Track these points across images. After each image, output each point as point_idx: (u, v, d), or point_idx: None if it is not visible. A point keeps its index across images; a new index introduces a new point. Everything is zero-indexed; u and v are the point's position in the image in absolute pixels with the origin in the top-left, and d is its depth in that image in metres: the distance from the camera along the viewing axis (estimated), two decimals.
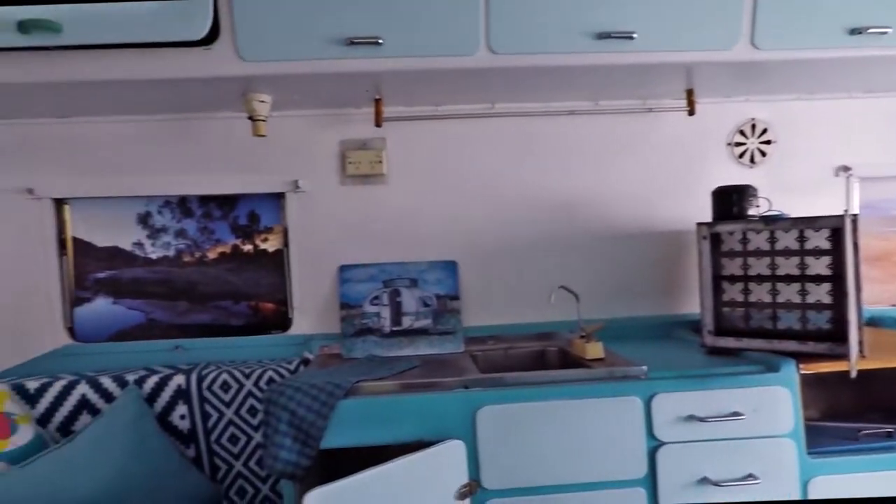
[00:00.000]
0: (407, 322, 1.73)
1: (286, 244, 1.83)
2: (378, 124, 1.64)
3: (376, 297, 1.75)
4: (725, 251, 1.53)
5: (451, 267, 1.80)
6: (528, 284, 1.86)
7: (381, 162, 1.77)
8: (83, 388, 1.64)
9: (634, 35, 1.42)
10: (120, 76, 1.42)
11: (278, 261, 1.85)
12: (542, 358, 1.75)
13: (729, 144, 1.91)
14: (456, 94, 1.71)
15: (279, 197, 1.83)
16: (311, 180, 1.80)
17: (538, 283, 1.85)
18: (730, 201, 1.61)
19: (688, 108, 1.77)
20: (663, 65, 1.51)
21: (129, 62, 1.40)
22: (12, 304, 1.81)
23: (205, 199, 1.84)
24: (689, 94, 1.77)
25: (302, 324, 1.82)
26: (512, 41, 1.41)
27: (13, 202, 1.79)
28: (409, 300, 1.75)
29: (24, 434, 1.52)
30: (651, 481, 1.35)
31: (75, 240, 1.85)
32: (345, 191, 1.81)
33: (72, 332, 1.85)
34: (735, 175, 1.90)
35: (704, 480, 1.34)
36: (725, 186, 1.63)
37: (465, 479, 1.27)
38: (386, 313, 1.73)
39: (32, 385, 1.64)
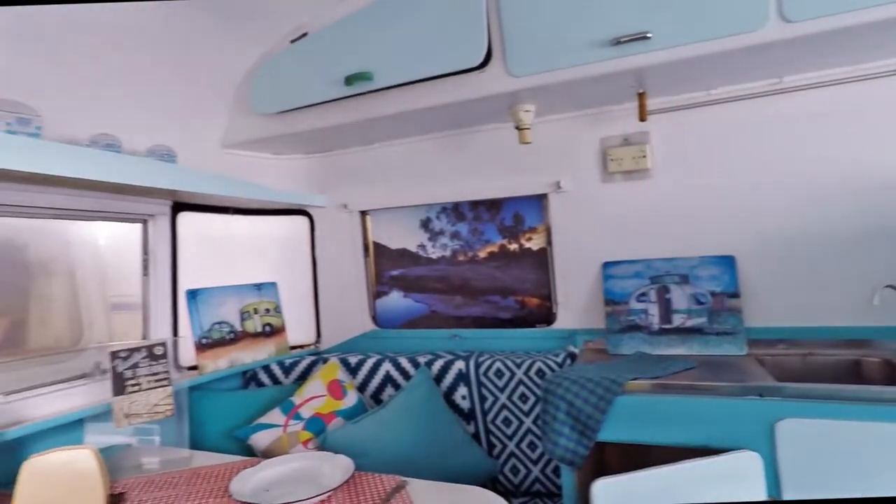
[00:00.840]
0: (678, 320, 1.66)
1: (549, 242, 1.93)
2: (642, 118, 1.61)
3: (643, 294, 1.72)
4: None
5: (727, 262, 1.66)
6: (834, 282, 1.59)
7: (644, 156, 1.73)
8: (387, 366, 2.00)
9: None
10: (415, 106, 1.69)
11: (542, 258, 1.97)
12: (857, 369, 1.49)
13: None
14: (735, 74, 1.57)
15: (542, 198, 1.94)
16: (572, 180, 1.86)
17: (848, 280, 1.57)
18: None
19: None
20: None
21: (422, 93, 1.66)
22: (337, 294, 2.31)
23: (475, 204, 2.07)
24: None
25: (565, 318, 1.90)
26: (811, 4, 1.23)
27: (335, 215, 2.29)
28: (679, 297, 1.67)
29: (351, 398, 1.93)
30: None
31: (375, 244, 2.26)
32: (607, 188, 1.82)
33: (374, 319, 2.28)
34: None
35: None
36: None
37: (762, 495, 1.16)
38: (654, 310, 1.69)
39: (353, 360, 2.07)
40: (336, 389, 1.93)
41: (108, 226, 1.98)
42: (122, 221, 1.88)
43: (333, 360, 2.04)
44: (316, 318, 2.36)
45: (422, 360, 1.95)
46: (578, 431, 1.35)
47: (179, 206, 1.99)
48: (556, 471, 1.72)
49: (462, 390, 1.86)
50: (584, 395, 1.34)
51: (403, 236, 2.20)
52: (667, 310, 1.68)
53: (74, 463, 1.29)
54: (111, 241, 2.03)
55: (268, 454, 1.73)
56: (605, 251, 1.82)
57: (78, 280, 2.09)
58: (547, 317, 1.96)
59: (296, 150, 2.26)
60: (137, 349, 1.65)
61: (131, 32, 1.62)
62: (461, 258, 2.10)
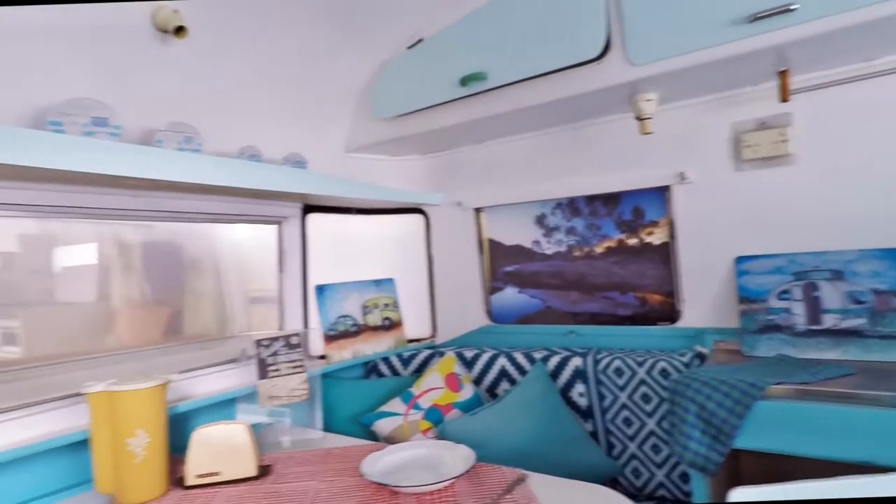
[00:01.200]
0: (829, 321, 1.49)
1: (672, 236, 1.83)
2: (784, 99, 1.46)
3: (785, 291, 1.56)
4: None
5: (894, 256, 1.45)
6: None
7: (785, 141, 1.57)
8: (503, 361, 2.02)
9: None
10: (530, 103, 1.69)
11: (664, 253, 1.87)
12: None
13: None
14: None
15: (664, 190, 1.84)
16: (699, 170, 1.74)
17: None
18: None
19: None
20: None
21: (537, 89, 1.66)
22: (452, 290, 2.37)
23: (591, 199, 2.02)
24: None
25: (692, 316, 1.79)
26: None
27: (450, 213, 2.35)
28: (831, 295, 1.50)
29: (468, 391, 1.98)
30: None
31: (490, 240, 2.29)
32: (740, 177, 1.68)
33: (489, 314, 2.31)
34: None
35: None
36: None
37: None
38: (799, 309, 1.53)
39: (468, 354, 2.11)
40: (453, 382, 1.99)
41: (246, 228, 2.21)
42: (260, 223, 2.08)
43: (450, 354, 2.10)
44: (431, 313, 2.45)
45: (537, 355, 1.94)
46: (711, 436, 1.27)
47: (309, 208, 2.17)
48: (684, 476, 1.63)
49: (579, 387, 1.83)
50: (717, 398, 1.25)
51: (518, 232, 2.20)
52: (815, 309, 1.51)
53: (232, 435, 1.47)
54: (249, 242, 2.26)
55: (390, 440, 1.83)
56: (738, 245, 1.68)
57: (222, 276, 2.35)
58: (670, 314, 1.86)
59: (412, 151, 2.35)
60: (277, 338, 1.82)
61: (265, 50, 1.79)
62: (577, 253, 2.06)
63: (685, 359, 1.67)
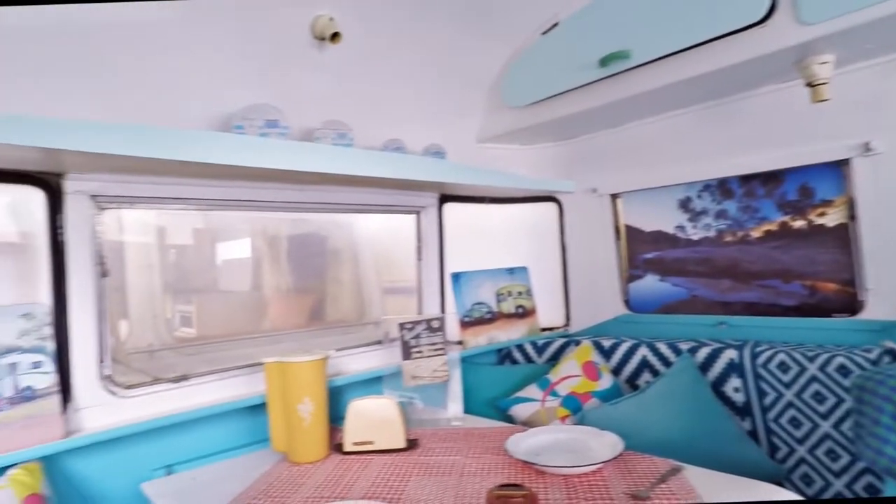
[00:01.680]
0: None
1: (852, 217, 1.61)
2: None
3: None
4: None
5: None
6: None
7: None
8: (644, 351, 1.93)
9: None
10: (678, 78, 1.58)
11: (841, 236, 1.66)
12: None
13: None
14: None
15: (840, 165, 1.63)
16: (888, 139, 1.52)
17: None
18: None
19: None
20: None
21: (686, 63, 1.55)
22: (587, 278, 2.32)
23: (746, 179, 1.84)
24: None
25: (878, 308, 1.56)
26: None
27: (584, 200, 2.29)
28: None
29: (606, 380, 1.92)
30: None
31: (627, 227, 2.20)
32: None
33: (627, 303, 2.21)
34: None
35: None
36: None
37: None
38: None
39: (606, 343, 2.05)
40: (591, 371, 1.95)
41: (382, 220, 2.34)
42: (401, 213, 2.20)
43: (587, 343, 2.06)
44: (565, 302, 2.41)
45: (683, 346, 1.83)
46: None
47: (445, 198, 2.25)
48: (871, 488, 1.43)
49: (734, 382, 1.69)
50: None
51: (659, 218, 2.09)
52: None
53: (383, 408, 1.58)
54: (385, 234, 2.40)
55: (528, 425, 1.84)
56: None
57: (360, 267, 2.53)
58: (850, 305, 1.64)
59: (544, 139, 2.33)
60: (419, 322, 1.91)
61: (406, 48, 1.88)
62: (729, 239, 1.90)
63: (871, 355, 1.46)
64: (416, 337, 1.89)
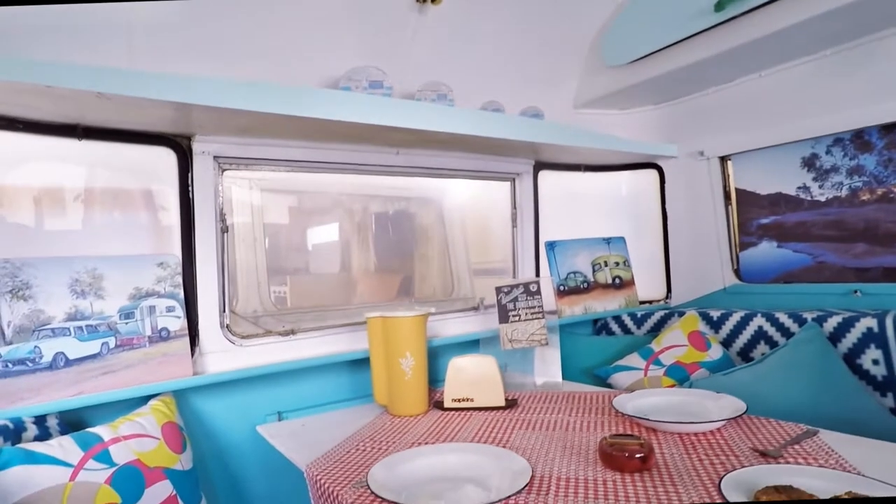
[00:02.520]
0: None
1: None
2: None
3: None
4: None
5: None
6: None
7: None
8: (759, 321, 1.79)
9: None
10: (812, 13, 1.43)
11: None
12: None
13: None
14: None
15: None
16: None
17: None
18: None
19: None
20: None
21: None
22: (690, 248, 2.18)
23: (888, 129, 1.64)
24: None
25: None
26: None
27: (688, 164, 2.16)
28: None
29: (716, 351, 1.80)
30: None
31: (738, 190, 2.04)
32: None
33: (737, 273, 2.06)
34: None
35: None
36: None
37: None
38: None
39: (714, 314, 1.92)
40: (698, 341, 1.84)
41: (471, 198, 2.32)
42: (496, 180, 2.18)
43: (692, 313, 1.94)
44: (666, 274, 2.29)
45: (808, 315, 1.67)
46: None
47: (540, 166, 2.20)
48: None
49: (872, 353, 1.51)
50: None
51: (777, 179, 1.92)
52: None
53: (482, 366, 1.58)
54: (473, 213, 2.38)
55: None
56: None
57: (449, 244, 2.53)
58: None
59: (645, 102, 2.22)
60: (517, 286, 1.89)
61: (505, 9, 1.84)
62: (865, 197, 1.70)
63: None
64: (514, 300, 1.87)
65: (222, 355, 1.53)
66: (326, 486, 1.01)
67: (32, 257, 1.28)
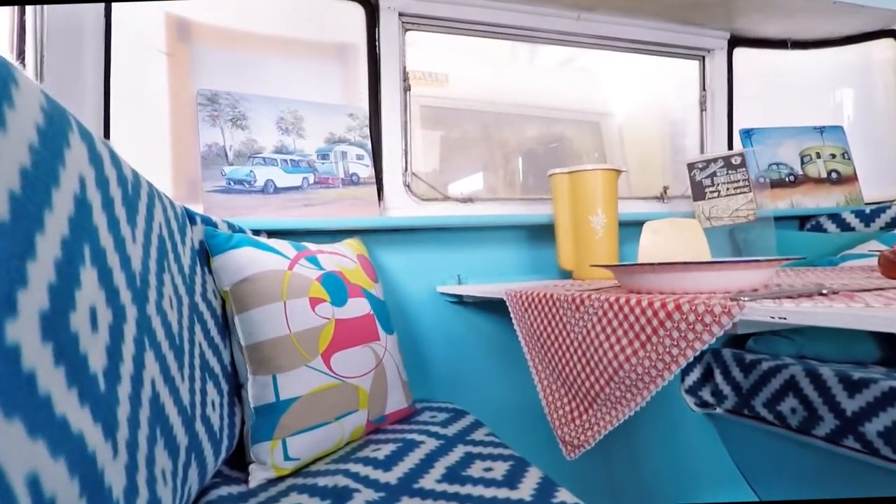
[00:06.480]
0: None
1: None
2: None
3: None
4: None
5: None
6: None
7: None
8: None
9: None
10: None
11: None
12: None
13: None
14: None
15: None
16: None
17: None
18: None
19: None
20: None
21: None
22: None
23: None
24: None
25: None
26: None
27: None
28: None
29: None
30: None
31: None
32: None
33: None
34: None
35: None
36: None
37: None
38: None
39: None
40: None
41: (633, 119, 2.06)
42: (681, 57, 1.93)
43: None
44: None
45: None
46: None
47: (735, 42, 1.91)
48: None
49: None
50: None
51: None
52: None
53: (683, 227, 1.38)
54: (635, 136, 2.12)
55: None
56: None
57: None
58: None
59: None
60: (714, 160, 1.66)
61: None
62: None
63: None
64: (711, 176, 1.64)
65: (405, 211, 1.53)
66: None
67: (248, 93, 1.36)
